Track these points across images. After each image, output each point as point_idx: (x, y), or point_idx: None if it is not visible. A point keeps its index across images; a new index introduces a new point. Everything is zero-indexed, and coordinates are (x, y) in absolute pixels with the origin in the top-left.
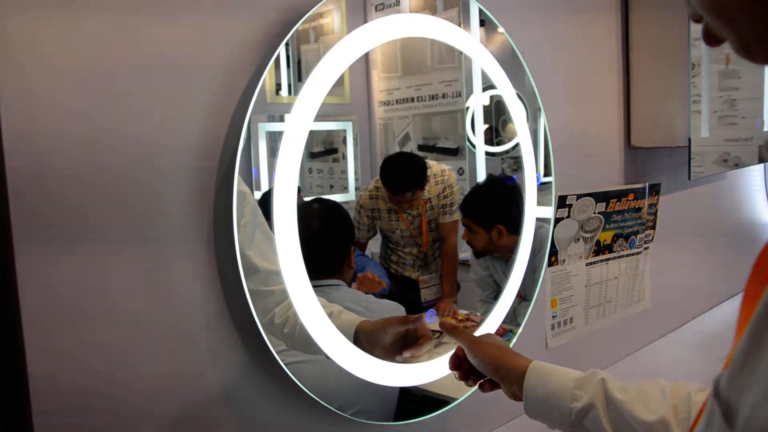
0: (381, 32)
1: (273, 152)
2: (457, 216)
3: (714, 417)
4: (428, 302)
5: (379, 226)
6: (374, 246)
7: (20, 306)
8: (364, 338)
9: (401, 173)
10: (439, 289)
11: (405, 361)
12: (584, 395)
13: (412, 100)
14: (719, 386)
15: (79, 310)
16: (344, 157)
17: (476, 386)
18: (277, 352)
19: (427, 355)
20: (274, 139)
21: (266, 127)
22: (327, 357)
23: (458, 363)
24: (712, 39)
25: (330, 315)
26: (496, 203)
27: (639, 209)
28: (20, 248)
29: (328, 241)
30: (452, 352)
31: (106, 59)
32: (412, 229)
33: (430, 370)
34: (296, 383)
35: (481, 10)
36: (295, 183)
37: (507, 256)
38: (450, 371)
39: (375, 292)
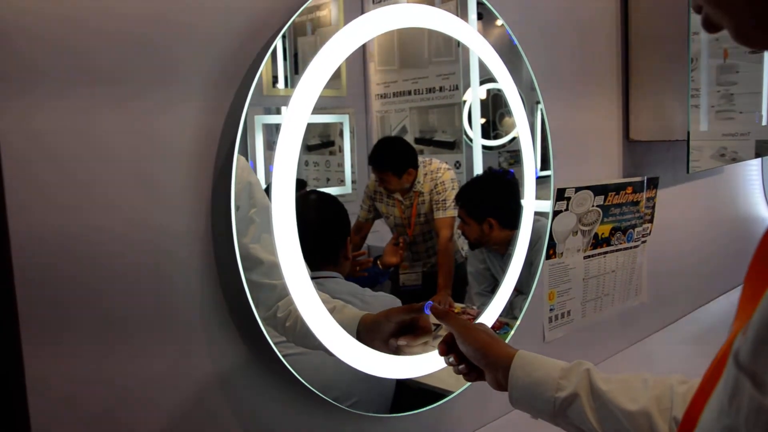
0: (378, 23)
1: (270, 145)
2: (451, 212)
3: (742, 386)
4: (406, 287)
5: (379, 209)
6: (371, 239)
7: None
8: (366, 330)
9: (378, 151)
10: (419, 277)
11: (398, 349)
12: (569, 385)
13: (409, 93)
14: (740, 359)
15: (75, 306)
16: (341, 150)
17: (460, 373)
18: (275, 344)
19: (421, 347)
20: (270, 131)
21: (263, 119)
22: (328, 352)
23: (447, 350)
24: (711, 26)
25: (332, 310)
26: (488, 196)
27: (637, 203)
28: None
29: (323, 231)
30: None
31: (100, 44)
32: (404, 218)
33: (426, 363)
34: (293, 374)
35: (478, 3)
36: (294, 175)
37: (503, 250)
38: (444, 360)
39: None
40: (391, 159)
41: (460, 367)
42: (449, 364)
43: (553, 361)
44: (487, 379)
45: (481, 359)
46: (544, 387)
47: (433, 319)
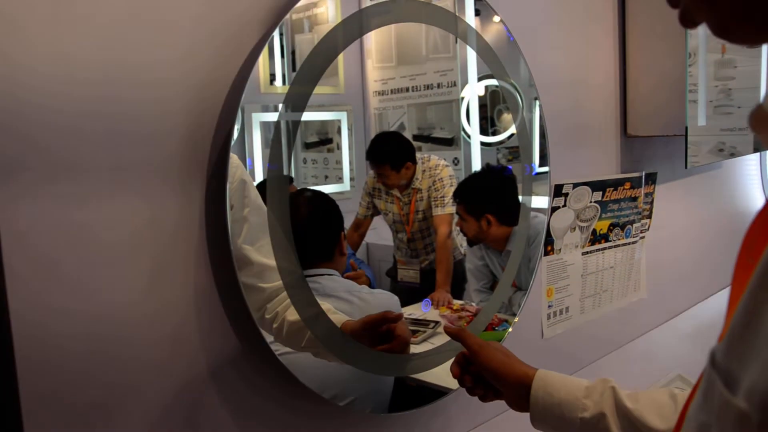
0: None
1: (267, 143)
2: (449, 209)
3: (713, 386)
4: (404, 282)
5: (378, 206)
6: (370, 237)
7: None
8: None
9: (376, 146)
10: (417, 274)
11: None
12: (593, 404)
13: (407, 90)
14: (716, 357)
15: (69, 307)
16: (339, 147)
17: (475, 395)
18: (271, 342)
19: (408, 348)
20: (268, 129)
21: (260, 117)
22: (314, 354)
23: (461, 371)
24: (688, 21)
25: None
26: (486, 192)
27: (635, 198)
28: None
29: (315, 228)
30: (453, 358)
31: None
32: (402, 214)
33: (425, 361)
34: (290, 372)
35: None
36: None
37: (501, 246)
38: (458, 382)
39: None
40: (389, 153)
41: (476, 389)
42: (463, 386)
43: (576, 380)
44: (506, 400)
45: (498, 379)
46: (568, 407)
47: (432, 316)
